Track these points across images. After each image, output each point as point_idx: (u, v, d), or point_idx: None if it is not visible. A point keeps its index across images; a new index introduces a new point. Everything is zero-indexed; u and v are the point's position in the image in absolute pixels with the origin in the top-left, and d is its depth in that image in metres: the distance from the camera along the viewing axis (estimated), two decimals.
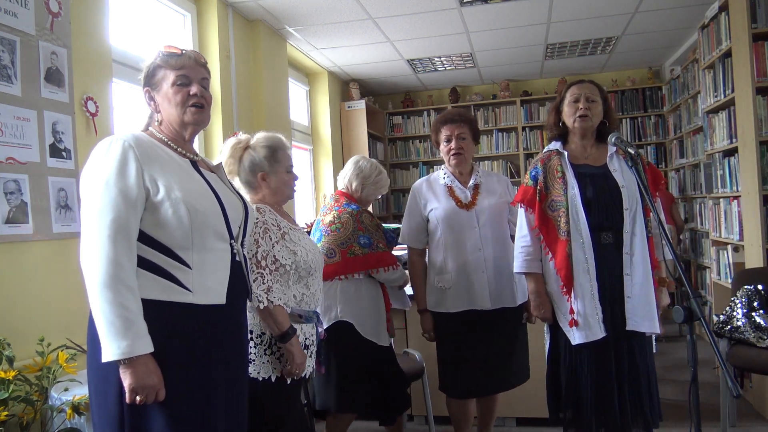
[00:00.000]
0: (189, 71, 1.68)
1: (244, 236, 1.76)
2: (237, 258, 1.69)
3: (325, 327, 2.57)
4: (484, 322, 2.67)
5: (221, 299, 1.62)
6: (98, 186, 1.51)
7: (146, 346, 1.46)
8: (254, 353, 2.06)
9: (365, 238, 2.66)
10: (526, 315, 2.74)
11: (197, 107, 1.68)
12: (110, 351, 1.43)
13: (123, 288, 1.44)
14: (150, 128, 1.72)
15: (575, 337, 2.29)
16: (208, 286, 1.59)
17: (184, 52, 1.70)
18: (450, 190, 2.75)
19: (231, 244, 1.68)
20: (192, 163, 1.70)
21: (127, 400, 1.46)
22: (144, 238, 1.54)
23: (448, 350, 2.76)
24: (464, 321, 2.68)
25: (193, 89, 1.67)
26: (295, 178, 2.27)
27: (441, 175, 2.81)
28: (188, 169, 1.67)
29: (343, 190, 2.84)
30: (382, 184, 2.89)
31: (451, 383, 2.76)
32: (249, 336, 1.99)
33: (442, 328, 2.76)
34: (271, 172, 2.19)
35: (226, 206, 1.68)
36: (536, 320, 2.63)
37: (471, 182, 2.75)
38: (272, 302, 2.01)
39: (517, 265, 2.47)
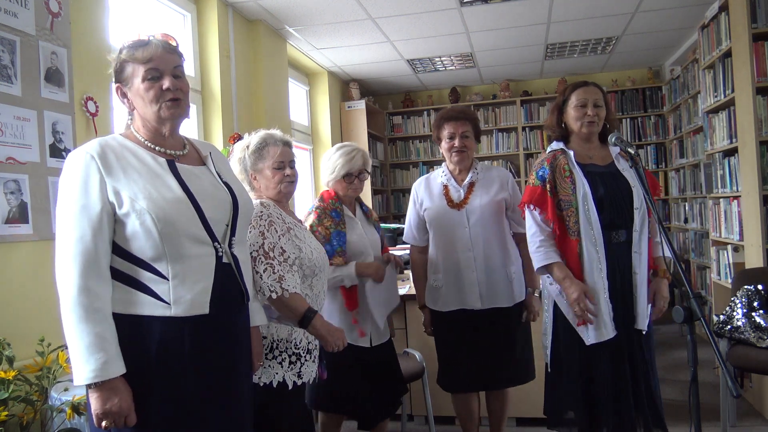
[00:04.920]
0: (159, 62, 1.56)
1: (233, 235, 1.64)
2: (224, 260, 1.59)
3: None
4: (476, 322, 2.66)
5: (203, 309, 1.52)
6: (62, 204, 1.48)
7: (114, 369, 1.40)
8: None
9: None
10: (525, 314, 2.73)
11: (173, 101, 1.57)
12: (76, 376, 1.40)
13: (87, 311, 1.40)
14: (131, 128, 1.63)
15: (589, 337, 2.28)
16: (187, 298, 1.50)
17: (150, 40, 1.58)
18: (445, 189, 2.75)
19: (215, 246, 1.57)
20: (169, 162, 1.59)
21: (95, 425, 1.41)
22: (118, 250, 1.49)
23: (442, 346, 2.80)
24: (456, 320, 2.69)
25: (166, 83, 1.56)
26: (288, 174, 2.13)
27: (440, 173, 2.82)
28: (161, 173, 1.55)
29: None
30: (336, 162, 2.64)
31: (444, 378, 2.80)
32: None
33: (437, 325, 2.80)
34: (257, 170, 2.16)
35: (205, 206, 1.57)
36: (537, 319, 2.61)
37: (466, 180, 2.73)
38: (287, 290, 1.93)
39: (537, 260, 2.37)
